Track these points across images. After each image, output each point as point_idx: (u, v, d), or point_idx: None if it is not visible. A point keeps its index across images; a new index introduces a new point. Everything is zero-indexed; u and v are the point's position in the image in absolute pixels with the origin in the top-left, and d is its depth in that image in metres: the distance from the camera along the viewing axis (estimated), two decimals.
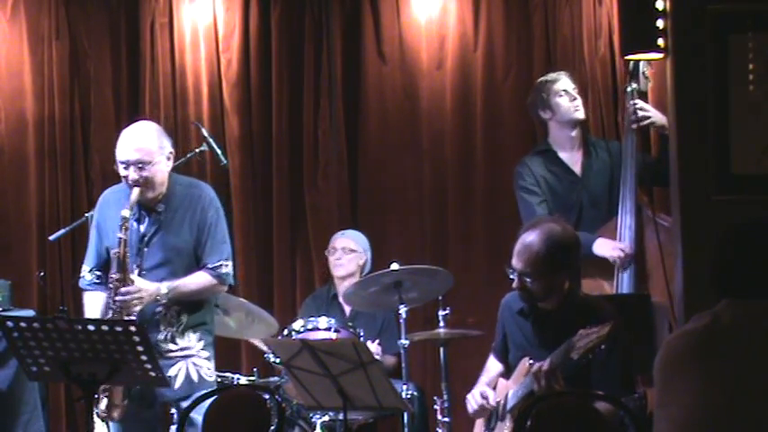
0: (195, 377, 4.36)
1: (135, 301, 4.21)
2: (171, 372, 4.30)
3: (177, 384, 4.32)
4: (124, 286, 4.20)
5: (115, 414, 4.23)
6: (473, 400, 3.98)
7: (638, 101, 4.78)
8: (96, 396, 4.20)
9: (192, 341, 4.36)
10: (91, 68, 6.20)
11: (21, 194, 6.15)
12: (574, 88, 5.07)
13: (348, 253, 5.57)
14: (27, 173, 6.14)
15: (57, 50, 6.15)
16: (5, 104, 6.12)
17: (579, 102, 5.06)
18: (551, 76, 5.10)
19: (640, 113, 4.76)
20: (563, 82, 5.04)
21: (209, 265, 4.37)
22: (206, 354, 4.41)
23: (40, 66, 6.15)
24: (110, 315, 4.21)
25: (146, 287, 4.24)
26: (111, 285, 4.23)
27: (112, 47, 6.21)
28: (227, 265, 4.41)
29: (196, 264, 4.38)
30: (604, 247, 4.75)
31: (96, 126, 6.18)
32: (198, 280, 4.36)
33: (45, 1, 6.14)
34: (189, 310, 4.37)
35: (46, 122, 6.14)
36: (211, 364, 4.44)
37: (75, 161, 6.18)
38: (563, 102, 5.03)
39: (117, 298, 4.20)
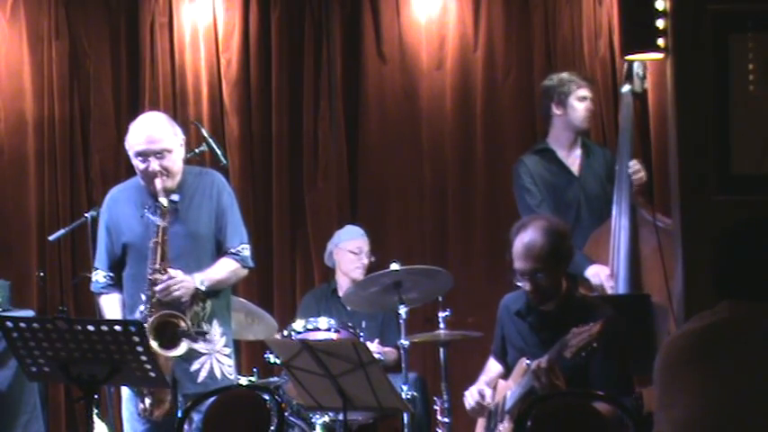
0: (218, 374, 4.35)
1: (176, 287, 4.17)
2: (195, 366, 4.29)
3: (200, 378, 4.31)
4: (165, 276, 4.17)
5: (158, 412, 4.21)
6: (470, 397, 3.99)
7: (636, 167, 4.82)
8: (143, 396, 4.22)
9: (216, 335, 4.35)
10: (91, 68, 6.20)
11: (21, 194, 6.15)
12: (592, 98, 5.10)
13: (369, 256, 5.57)
14: (27, 173, 6.14)
15: (57, 50, 6.15)
16: (5, 104, 6.13)
17: (591, 114, 5.10)
18: (578, 79, 5.11)
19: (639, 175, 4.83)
20: (587, 91, 5.07)
21: (232, 250, 4.39)
22: (228, 351, 4.40)
23: (39, 66, 6.15)
24: (146, 308, 4.19)
25: (184, 277, 4.22)
26: (150, 277, 4.19)
27: (112, 47, 6.22)
28: (246, 248, 4.44)
29: (216, 249, 4.39)
30: (593, 274, 4.77)
31: (96, 126, 6.19)
32: (226, 267, 4.37)
33: (45, 1, 6.15)
34: (212, 296, 4.35)
35: (46, 122, 6.15)
36: (232, 362, 4.43)
37: (75, 161, 6.18)
38: (580, 108, 5.05)
39: (157, 288, 4.16)
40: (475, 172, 6.06)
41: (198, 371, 4.31)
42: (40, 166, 6.15)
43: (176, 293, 4.18)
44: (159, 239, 4.19)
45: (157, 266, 4.18)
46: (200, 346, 4.28)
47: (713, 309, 2.64)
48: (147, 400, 4.20)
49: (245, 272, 4.50)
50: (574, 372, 3.69)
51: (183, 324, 4.14)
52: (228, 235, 4.40)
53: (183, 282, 4.20)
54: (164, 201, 4.19)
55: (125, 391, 4.36)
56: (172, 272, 4.19)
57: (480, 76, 6.05)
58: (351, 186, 6.19)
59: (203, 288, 4.26)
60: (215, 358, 4.35)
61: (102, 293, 4.43)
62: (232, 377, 4.43)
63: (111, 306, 4.39)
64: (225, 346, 4.39)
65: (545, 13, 5.99)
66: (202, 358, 4.32)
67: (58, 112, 6.14)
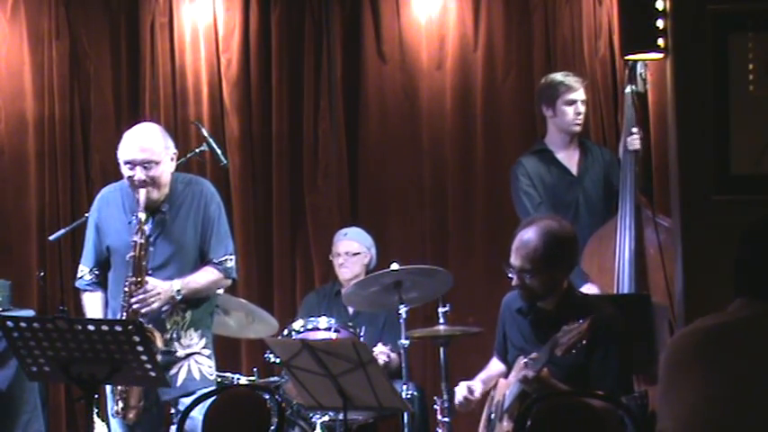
0: (197, 375, 4.37)
1: (152, 299, 4.21)
2: (173, 371, 4.31)
3: (178, 382, 4.32)
4: (140, 288, 4.20)
5: (131, 415, 4.24)
6: (459, 392, 4.00)
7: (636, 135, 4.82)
8: (116, 399, 4.24)
9: (194, 339, 4.37)
10: (91, 68, 6.20)
11: (21, 194, 6.15)
12: (583, 100, 5.09)
13: (352, 256, 5.54)
14: (27, 173, 6.14)
15: (57, 50, 6.15)
16: (5, 104, 6.12)
17: (582, 116, 5.09)
18: (570, 81, 5.08)
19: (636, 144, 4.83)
20: (577, 93, 5.06)
21: (215, 260, 4.40)
22: (207, 352, 4.43)
23: (40, 66, 6.15)
24: (123, 317, 4.21)
25: (161, 287, 4.24)
26: (126, 289, 4.23)
27: (112, 47, 6.21)
28: (231, 259, 4.44)
29: (200, 259, 4.40)
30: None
31: (96, 126, 6.19)
32: (206, 275, 4.38)
33: (45, 1, 6.14)
34: (193, 306, 4.38)
35: (46, 122, 6.14)
36: (212, 363, 4.45)
37: (75, 161, 6.18)
38: (568, 111, 5.06)
39: (134, 300, 4.19)
40: (475, 172, 6.06)
41: (176, 375, 4.32)
42: (40, 166, 6.15)
43: (154, 306, 4.22)
44: (136, 254, 4.22)
45: (134, 279, 4.22)
46: (178, 352, 4.31)
47: (727, 308, 2.62)
48: (120, 404, 4.23)
49: (227, 282, 4.51)
50: (573, 370, 3.70)
51: (156, 340, 4.15)
52: (213, 246, 4.40)
53: (160, 293, 4.23)
54: (142, 215, 4.22)
55: (109, 391, 4.38)
56: (150, 282, 4.22)
57: (480, 76, 6.05)
58: (351, 186, 6.18)
59: (179, 297, 4.28)
60: (194, 360, 4.36)
61: (86, 290, 4.47)
62: (212, 377, 4.45)
63: (93, 305, 4.43)
64: (204, 347, 4.41)
65: (545, 13, 5.99)
66: (180, 362, 4.34)
67: (58, 112, 6.14)
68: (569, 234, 3.87)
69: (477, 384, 4.01)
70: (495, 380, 4.06)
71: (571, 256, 3.89)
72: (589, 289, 4.75)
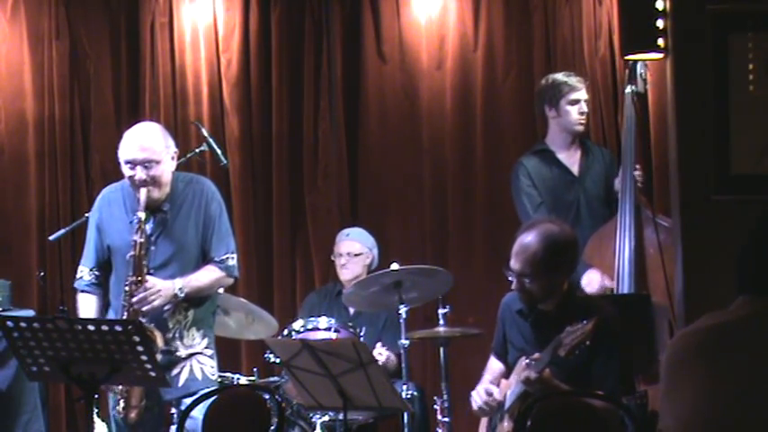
0: (199, 375, 4.36)
1: (153, 297, 4.20)
2: (174, 371, 4.31)
3: (180, 382, 4.32)
4: (140, 287, 4.21)
5: (132, 415, 4.24)
6: (477, 397, 3.98)
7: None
8: (117, 398, 4.24)
9: (196, 339, 4.37)
10: (91, 68, 6.20)
11: (21, 194, 6.14)
12: (587, 100, 5.10)
13: (353, 257, 5.53)
14: (27, 173, 6.14)
15: (57, 50, 6.14)
16: (5, 104, 6.12)
17: (585, 115, 5.10)
18: (572, 81, 5.09)
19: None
20: (581, 93, 5.07)
21: (216, 259, 4.40)
22: (209, 352, 4.43)
23: (40, 66, 6.14)
24: (125, 317, 4.21)
25: (162, 285, 4.24)
26: (126, 288, 4.22)
27: (112, 47, 6.21)
28: (232, 258, 4.44)
29: (202, 258, 4.40)
30: (586, 284, 4.76)
31: (96, 126, 6.18)
32: (208, 274, 4.38)
33: (45, 1, 6.14)
34: (195, 305, 4.38)
35: (46, 122, 6.14)
36: (214, 363, 4.46)
37: (75, 161, 6.18)
38: (572, 111, 5.06)
39: (134, 299, 4.19)
40: (475, 172, 6.06)
41: (178, 375, 4.32)
42: (40, 166, 6.14)
43: (155, 303, 4.22)
44: (137, 253, 4.22)
45: (134, 278, 4.22)
46: (180, 352, 4.31)
47: (728, 307, 2.62)
48: (122, 403, 4.23)
49: (229, 281, 4.51)
50: (574, 371, 3.70)
51: (157, 339, 4.15)
52: (214, 244, 4.40)
53: (161, 291, 4.23)
54: (142, 215, 4.22)
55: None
56: (150, 281, 4.22)
57: (480, 76, 6.05)
58: (351, 186, 6.18)
59: (182, 295, 4.28)
60: (196, 360, 4.36)
61: (83, 291, 4.46)
62: (214, 377, 4.45)
63: (87, 307, 4.43)
64: (206, 347, 4.41)
65: (545, 13, 5.99)
66: (181, 362, 4.34)
67: (58, 112, 6.13)
68: (569, 238, 3.85)
69: (493, 388, 3.99)
70: (499, 380, 4.06)
71: (571, 260, 3.88)
72: (591, 274, 4.74)
